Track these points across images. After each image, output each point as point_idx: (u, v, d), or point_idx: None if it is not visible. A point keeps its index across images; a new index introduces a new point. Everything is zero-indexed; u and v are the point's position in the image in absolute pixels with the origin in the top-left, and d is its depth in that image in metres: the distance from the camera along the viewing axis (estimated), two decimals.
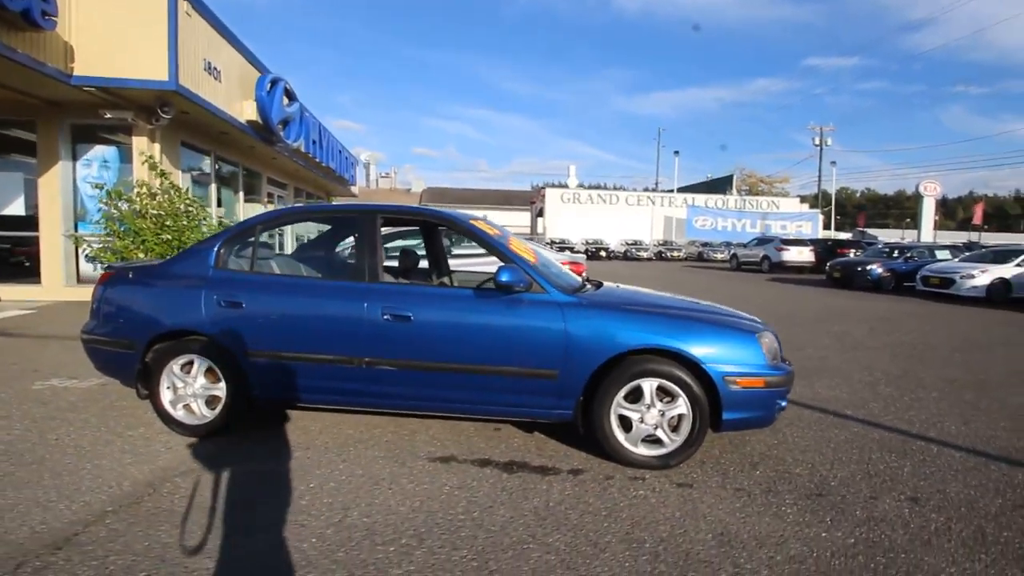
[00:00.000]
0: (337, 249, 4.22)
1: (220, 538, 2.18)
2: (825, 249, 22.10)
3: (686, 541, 2.22)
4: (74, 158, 8.11)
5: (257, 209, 12.61)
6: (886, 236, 35.36)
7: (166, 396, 3.19)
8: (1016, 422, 3.84)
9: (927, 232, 29.29)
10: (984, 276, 11.90)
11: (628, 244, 35.91)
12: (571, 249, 29.02)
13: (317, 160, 13.86)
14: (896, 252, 16.83)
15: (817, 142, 42.14)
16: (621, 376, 2.85)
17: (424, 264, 4.41)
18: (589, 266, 8.44)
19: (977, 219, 34.03)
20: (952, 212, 65.79)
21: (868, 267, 14.94)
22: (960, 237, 33.21)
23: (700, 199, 42.79)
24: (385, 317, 2.99)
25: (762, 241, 25.47)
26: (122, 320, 3.34)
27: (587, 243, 35.00)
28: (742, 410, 2.85)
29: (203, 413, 3.19)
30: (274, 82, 9.91)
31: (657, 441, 2.89)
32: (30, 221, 8.14)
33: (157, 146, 7.92)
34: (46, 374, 4.41)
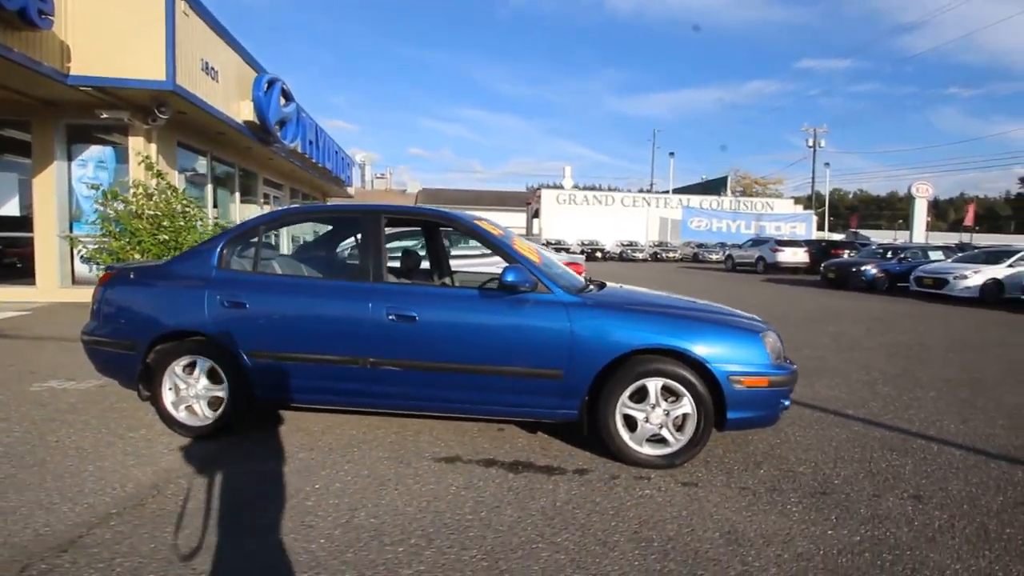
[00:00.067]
0: (337, 249, 4.22)
1: (226, 540, 2.17)
2: (819, 250, 22.24)
3: (694, 539, 2.23)
4: (69, 158, 8.05)
5: (253, 210, 12.54)
6: (879, 237, 35.60)
7: (168, 397, 3.17)
8: (1013, 420, 3.88)
9: (919, 233, 29.52)
10: (977, 277, 12.02)
11: (624, 245, 36.00)
12: (567, 250, 29.06)
13: (314, 161, 13.81)
14: (890, 253, 16.98)
15: (811, 143, 42.47)
16: (626, 376, 2.86)
17: (425, 264, 4.41)
18: (585, 267, 8.45)
19: (969, 220, 34.35)
20: (944, 213, 66.41)
21: (862, 268, 15.06)
22: (952, 238, 33.50)
23: (695, 200, 42.97)
24: (390, 317, 2.99)
25: (757, 242, 25.61)
26: (123, 321, 3.31)
27: (583, 244, 35.06)
28: (746, 409, 2.87)
29: (205, 414, 3.18)
30: (271, 82, 9.87)
31: (662, 440, 2.90)
32: (24, 222, 8.06)
33: (153, 146, 7.87)
34: (44, 376, 4.37)
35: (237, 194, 11.60)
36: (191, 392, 3.16)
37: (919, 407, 4.17)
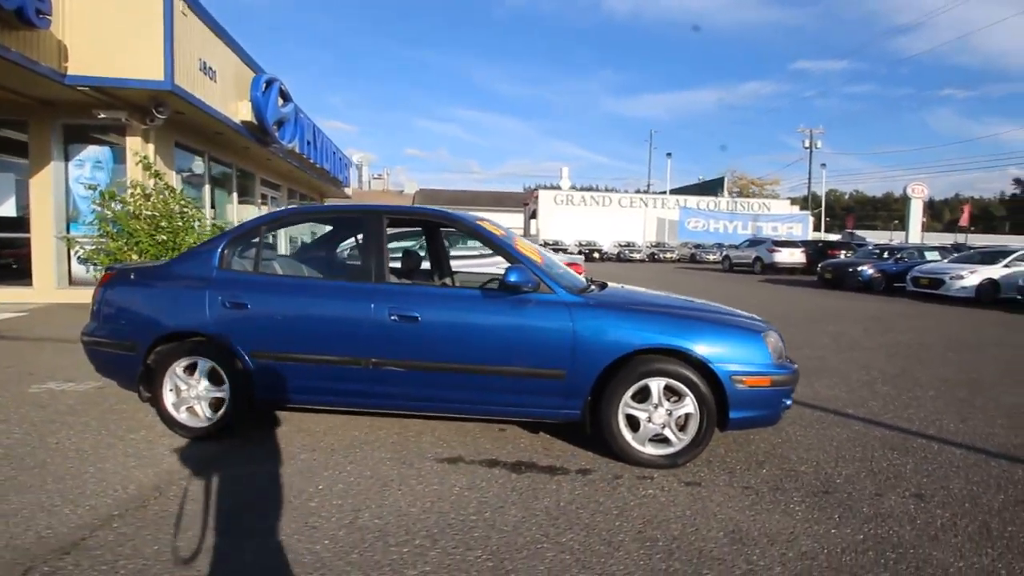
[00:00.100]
0: (338, 250, 4.21)
1: (229, 541, 2.16)
2: (816, 250, 22.33)
3: (699, 539, 2.23)
4: (66, 159, 8.01)
5: (251, 211, 12.51)
6: (874, 238, 35.73)
7: (169, 398, 3.16)
8: (1012, 419, 3.90)
9: (915, 234, 29.67)
10: (973, 277, 12.08)
11: (621, 246, 36.06)
12: (564, 250, 29.09)
13: (312, 161, 13.78)
14: (886, 253, 17.05)
15: (807, 144, 42.63)
16: (629, 376, 2.86)
17: (426, 265, 4.41)
18: (585, 267, 8.45)
19: (964, 221, 34.51)
20: (939, 214, 66.72)
21: (859, 268, 15.12)
22: (947, 238, 33.64)
23: (692, 201, 43.07)
24: (392, 318, 2.98)
25: (754, 243, 25.69)
26: (124, 321, 3.30)
27: (580, 244, 35.10)
28: (749, 409, 2.87)
29: (206, 415, 3.16)
30: (269, 82, 9.85)
31: (664, 440, 2.90)
32: (21, 222, 8.02)
33: (151, 146, 7.84)
34: (42, 377, 4.35)
35: (235, 195, 11.57)
36: (192, 393, 3.15)
37: (918, 406, 4.18)
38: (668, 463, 2.88)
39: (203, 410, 3.16)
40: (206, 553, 2.08)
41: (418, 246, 5.53)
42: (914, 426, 3.72)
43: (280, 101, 10.30)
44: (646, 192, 49.00)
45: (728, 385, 2.81)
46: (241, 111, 9.35)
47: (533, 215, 42.05)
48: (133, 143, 7.77)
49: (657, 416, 2.87)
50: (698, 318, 3.07)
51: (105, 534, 2.18)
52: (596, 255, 34.14)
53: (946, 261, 14.08)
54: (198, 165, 9.81)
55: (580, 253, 28.01)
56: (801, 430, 3.56)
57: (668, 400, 2.88)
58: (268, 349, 3.10)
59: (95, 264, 7.44)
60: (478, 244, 7.40)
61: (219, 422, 3.14)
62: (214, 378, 3.14)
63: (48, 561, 2.00)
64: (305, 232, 13.34)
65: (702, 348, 2.84)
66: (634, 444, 2.90)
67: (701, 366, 2.84)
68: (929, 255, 15.91)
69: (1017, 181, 65.49)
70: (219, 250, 3.26)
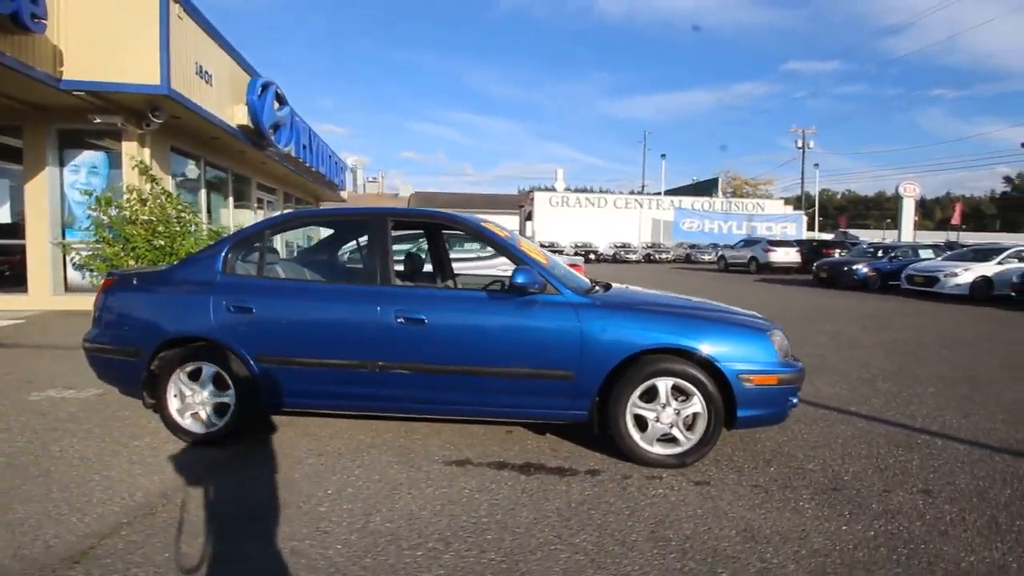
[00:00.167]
0: (339, 253, 4.19)
1: (241, 547, 2.15)
2: (811, 250, 22.47)
3: (711, 538, 2.23)
4: (61, 164, 7.94)
5: (247, 215, 12.45)
6: (867, 236, 36.01)
7: (173, 404, 3.13)
8: (1013, 415, 3.94)
9: (907, 232, 29.89)
10: (967, 274, 12.19)
11: (617, 247, 36.15)
12: (561, 252, 29.12)
13: (307, 165, 13.74)
14: (881, 252, 17.18)
15: (800, 145, 42.91)
16: (636, 376, 2.86)
17: (428, 267, 4.40)
18: (584, 268, 8.47)
19: (956, 219, 34.85)
20: (930, 212, 67.32)
21: (854, 267, 15.23)
22: (939, 237, 33.96)
23: (687, 201, 43.24)
24: (399, 320, 2.98)
25: (749, 242, 25.81)
26: (127, 327, 3.28)
27: (576, 246, 35.15)
28: (756, 407, 2.88)
29: (212, 421, 3.14)
30: (265, 86, 9.82)
31: (672, 440, 2.91)
32: (16, 229, 7.94)
33: (147, 151, 7.79)
34: (42, 384, 4.30)
35: (230, 199, 11.51)
36: (197, 398, 3.13)
37: (920, 403, 4.21)
38: (676, 463, 2.89)
39: (208, 415, 3.14)
40: (217, 560, 2.06)
41: (416, 248, 5.52)
42: (917, 422, 3.74)
43: (276, 104, 10.27)
44: (641, 193, 49.18)
45: (735, 384, 2.82)
46: (237, 115, 9.31)
47: (529, 217, 42.07)
48: (129, 148, 7.71)
49: (665, 416, 2.88)
50: (705, 318, 3.08)
51: (114, 542, 2.16)
52: (592, 256, 34.18)
53: (940, 259, 14.19)
54: (192, 170, 9.75)
55: (576, 254, 28.04)
56: (806, 428, 3.58)
57: (676, 400, 2.88)
58: (273, 353, 3.08)
59: (91, 270, 7.38)
60: (476, 247, 7.48)
61: (224, 427, 3.12)
62: (219, 383, 3.12)
63: (57, 571, 1.98)
64: (300, 236, 13.32)
65: (709, 347, 2.85)
66: (642, 444, 2.90)
67: (708, 365, 2.85)
68: (923, 253, 16.04)
69: (1007, 179, 66.27)
70: (223, 254, 3.25)
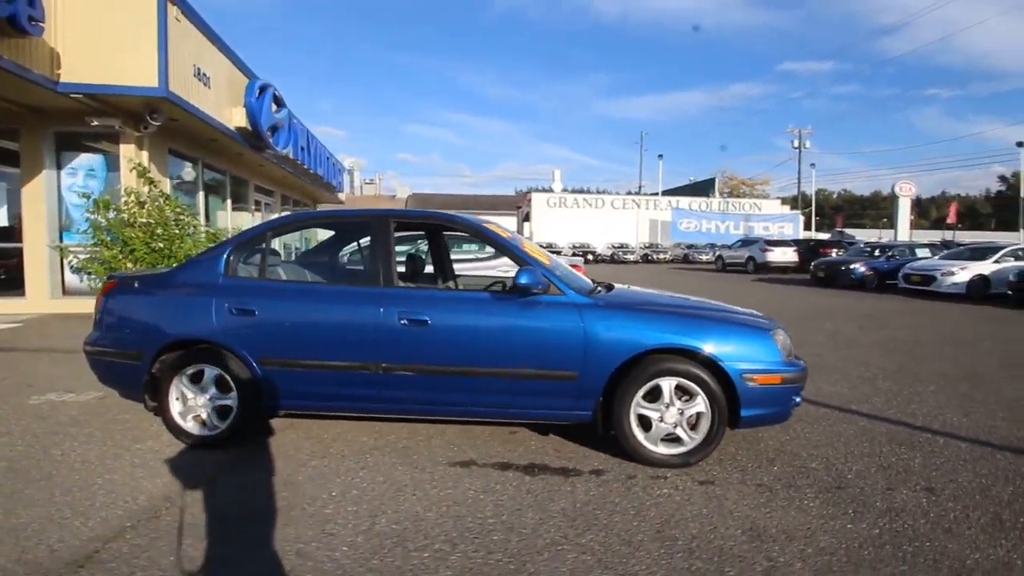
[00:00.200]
0: (341, 255, 4.19)
1: (248, 550, 2.14)
2: (808, 249, 22.55)
3: (717, 537, 2.24)
4: (59, 167, 7.91)
5: (245, 217, 12.43)
6: (863, 236, 36.14)
7: (175, 407, 3.12)
8: (1013, 413, 3.95)
9: (903, 231, 30.06)
10: (964, 273, 12.25)
11: (614, 247, 36.17)
12: (559, 252, 29.15)
13: (305, 167, 13.72)
14: (878, 251, 17.26)
15: (796, 145, 43.09)
16: (640, 376, 2.87)
17: (429, 268, 4.39)
18: (584, 268, 8.48)
19: (951, 218, 35.04)
20: (926, 211, 67.59)
21: (851, 266, 15.29)
22: (934, 236, 34.12)
23: (684, 202, 43.34)
24: (402, 322, 2.97)
25: (746, 242, 25.88)
26: (128, 330, 3.26)
27: (574, 246, 35.16)
28: (760, 407, 2.89)
29: (214, 423, 3.13)
30: (263, 88, 9.81)
31: (676, 440, 2.91)
32: (13, 232, 7.91)
33: (145, 154, 7.77)
34: (42, 388, 4.28)
35: (228, 201, 11.49)
36: (199, 401, 3.12)
37: (920, 401, 4.23)
38: (681, 462, 2.89)
39: (210, 418, 3.13)
40: (222, 563, 2.05)
41: (417, 249, 5.51)
42: (918, 421, 3.75)
43: (274, 107, 10.26)
44: (638, 194, 49.26)
45: (739, 383, 2.83)
46: (235, 117, 9.30)
47: (526, 218, 42.10)
48: (126, 150, 7.69)
49: (669, 415, 2.88)
50: (708, 317, 3.08)
51: (119, 546, 2.15)
52: (590, 257, 34.21)
53: (937, 258, 14.26)
54: (190, 172, 9.73)
55: (576, 255, 28.08)
56: (808, 427, 3.59)
57: (679, 399, 2.89)
58: (276, 355, 3.07)
59: (89, 273, 7.35)
60: (474, 248, 7.48)
61: (227, 430, 3.11)
62: (221, 386, 3.11)
63: (63, 575, 1.97)
64: (297, 238, 13.27)
65: (713, 347, 2.85)
66: (646, 444, 2.90)
67: (712, 365, 2.85)
68: (920, 252, 16.11)
69: (1002, 178, 66.56)
70: (224, 257, 3.24)
